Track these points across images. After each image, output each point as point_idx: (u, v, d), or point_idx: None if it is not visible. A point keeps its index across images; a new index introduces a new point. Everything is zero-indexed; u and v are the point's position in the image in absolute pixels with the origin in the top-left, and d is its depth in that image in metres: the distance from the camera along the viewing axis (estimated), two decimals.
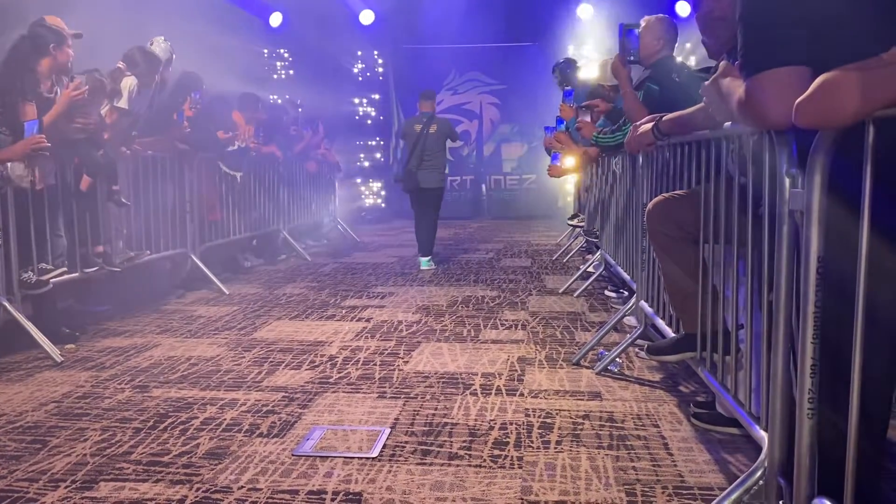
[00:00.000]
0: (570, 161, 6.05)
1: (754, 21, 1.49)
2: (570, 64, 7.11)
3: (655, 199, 2.65)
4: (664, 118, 2.64)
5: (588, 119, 4.94)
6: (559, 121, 6.18)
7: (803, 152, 1.50)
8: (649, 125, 2.73)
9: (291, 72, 12.85)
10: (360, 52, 13.25)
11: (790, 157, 1.55)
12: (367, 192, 13.60)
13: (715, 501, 1.83)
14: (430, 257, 7.26)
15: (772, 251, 1.68)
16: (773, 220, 1.66)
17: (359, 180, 13.39)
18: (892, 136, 1.28)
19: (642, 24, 3.72)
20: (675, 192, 2.65)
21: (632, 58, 3.60)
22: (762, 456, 1.71)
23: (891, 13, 1.39)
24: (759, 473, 1.69)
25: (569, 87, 5.58)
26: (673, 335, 2.76)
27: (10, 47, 4.05)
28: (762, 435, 1.78)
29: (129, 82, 4.92)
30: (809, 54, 1.41)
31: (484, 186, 13.03)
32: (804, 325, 1.47)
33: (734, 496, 1.72)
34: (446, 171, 7.51)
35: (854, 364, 1.33)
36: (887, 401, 1.55)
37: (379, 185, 13.65)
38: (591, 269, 6.00)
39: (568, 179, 8.57)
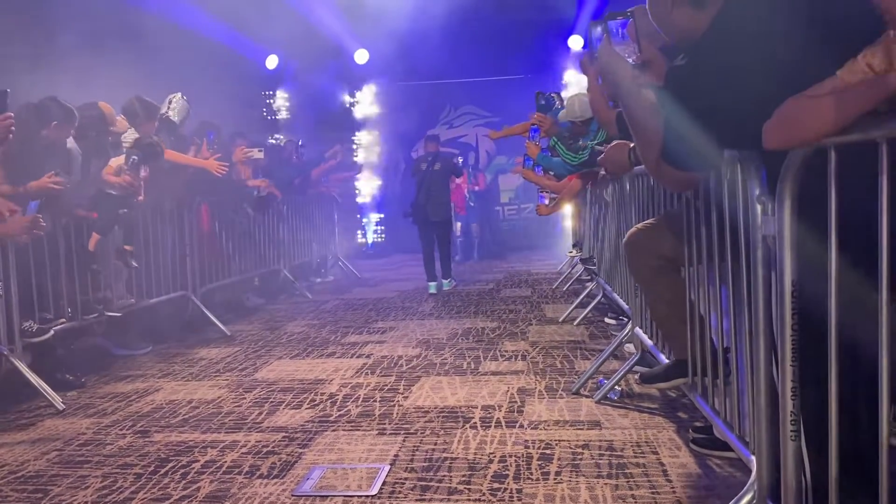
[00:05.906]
0: (555, 195, 6.09)
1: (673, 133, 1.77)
2: (552, 100, 6.97)
3: (629, 233, 2.69)
4: None
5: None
6: (527, 160, 6.18)
7: (773, 179, 1.55)
8: (626, 147, 2.80)
9: (287, 115, 13.06)
10: (356, 91, 13.46)
11: (760, 184, 1.60)
12: (366, 228, 13.69)
13: None
14: (449, 279, 8.21)
15: (749, 276, 1.71)
16: (748, 245, 1.70)
17: (358, 216, 13.49)
18: (850, 164, 1.33)
19: None
20: (647, 221, 2.70)
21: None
22: (751, 479, 1.72)
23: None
24: (748, 497, 1.70)
25: (535, 125, 5.66)
26: (666, 361, 2.78)
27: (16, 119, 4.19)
28: (752, 458, 1.80)
29: (130, 135, 5.04)
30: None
31: (475, 225, 12.93)
32: (782, 349, 1.50)
33: None
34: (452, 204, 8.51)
35: (830, 389, 1.36)
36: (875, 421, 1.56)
37: (378, 219, 13.76)
38: (589, 297, 6.00)
39: (566, 208, 8.63)
